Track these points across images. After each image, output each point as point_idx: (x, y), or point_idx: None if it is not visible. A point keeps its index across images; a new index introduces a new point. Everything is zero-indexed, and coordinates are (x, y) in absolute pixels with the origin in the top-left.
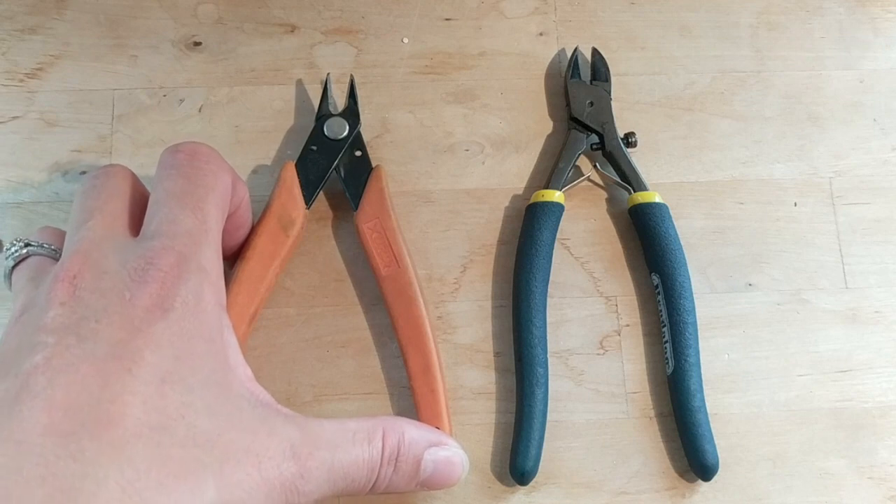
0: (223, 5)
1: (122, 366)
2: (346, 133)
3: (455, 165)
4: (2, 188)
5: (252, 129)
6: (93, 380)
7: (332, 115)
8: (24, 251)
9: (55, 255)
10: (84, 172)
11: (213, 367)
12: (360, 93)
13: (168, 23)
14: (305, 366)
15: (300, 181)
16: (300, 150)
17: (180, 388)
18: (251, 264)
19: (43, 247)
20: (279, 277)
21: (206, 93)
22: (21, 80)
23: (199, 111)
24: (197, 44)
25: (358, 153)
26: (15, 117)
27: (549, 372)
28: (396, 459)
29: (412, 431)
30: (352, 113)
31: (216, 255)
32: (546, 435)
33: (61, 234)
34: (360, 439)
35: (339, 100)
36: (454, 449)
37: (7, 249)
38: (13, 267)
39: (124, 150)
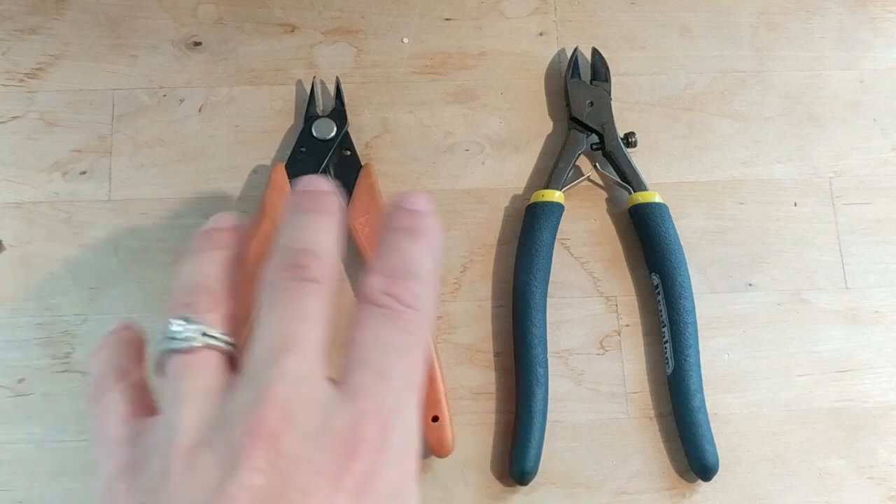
0: (223, 5)
1: None
2: (333, 133)
3: (455, 165)
4: (2, 188)
5: (252, 129)
6: None
7: (319, 117)
8: (201, 342)
9: (234, 353)
10: (84, 172)
11: None
12: (360, 93)
13: (168, 23)
14: None
15: (290, 181)
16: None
17: None
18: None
19: (224, 342)
20: None
21: (206, 93)
22: (21, 80)
23: (199, 111)
24: (197, 44)
25: (347, 152)
26: (15, 117)
27: (549, 372)
28: None
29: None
30: (339, 114)
31: (418, 409)
32: (546, 435)
33: (232, 318)
34: None
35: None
36: None
37: (174, 329)
38: (171, 350)
39: (124, 150)
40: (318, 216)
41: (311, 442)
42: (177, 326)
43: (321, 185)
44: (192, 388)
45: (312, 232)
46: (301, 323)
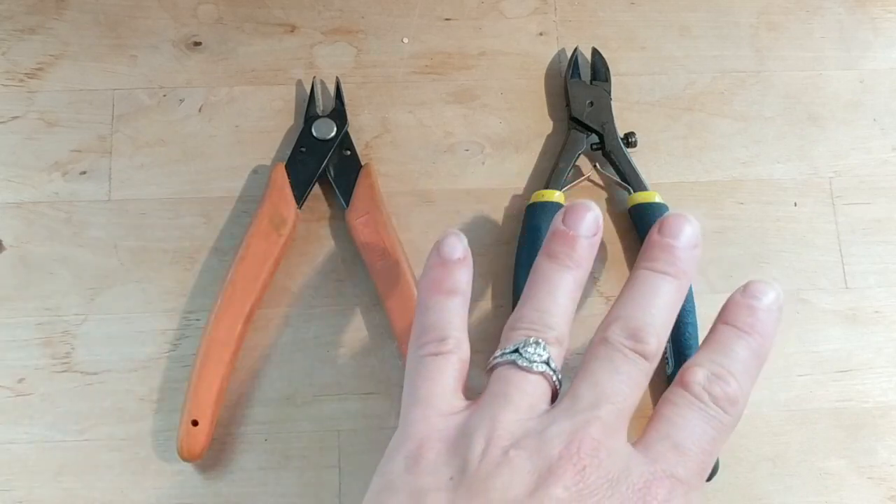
0: (223, 5)
1: None
2: (333, 133)
3: (455, 165)
4: (2, 188)
5: (252, 129)
6: None
7: (319, 117)
8: (541, 368)
9: (557, 389)
10: (84, 172)
11: None
12: (360, 93)
13: (168, 23)
14: (305, 366)
15: (290, 182)
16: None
17: None
18: (246, 264)
19: (557, 378)
20: (277, 277)
21: (206, 93)
22: (21, 80)
23: (199, 111)
24: (197, 44)
25: (347, 152)
26: (15, 117)
27: None
28: None
29: None
30: (339, 114)
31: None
32: None
33: (559, 353)
34: None
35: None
36: None
37: (527, 349)
38: (513, 362)
39: (124, 150)
40: (670, 284)
41: (609, 484)
42: (530, 347)
43: (685, 235)
44: (519, 399)
45: (660, 306)
46: (625, 386)
